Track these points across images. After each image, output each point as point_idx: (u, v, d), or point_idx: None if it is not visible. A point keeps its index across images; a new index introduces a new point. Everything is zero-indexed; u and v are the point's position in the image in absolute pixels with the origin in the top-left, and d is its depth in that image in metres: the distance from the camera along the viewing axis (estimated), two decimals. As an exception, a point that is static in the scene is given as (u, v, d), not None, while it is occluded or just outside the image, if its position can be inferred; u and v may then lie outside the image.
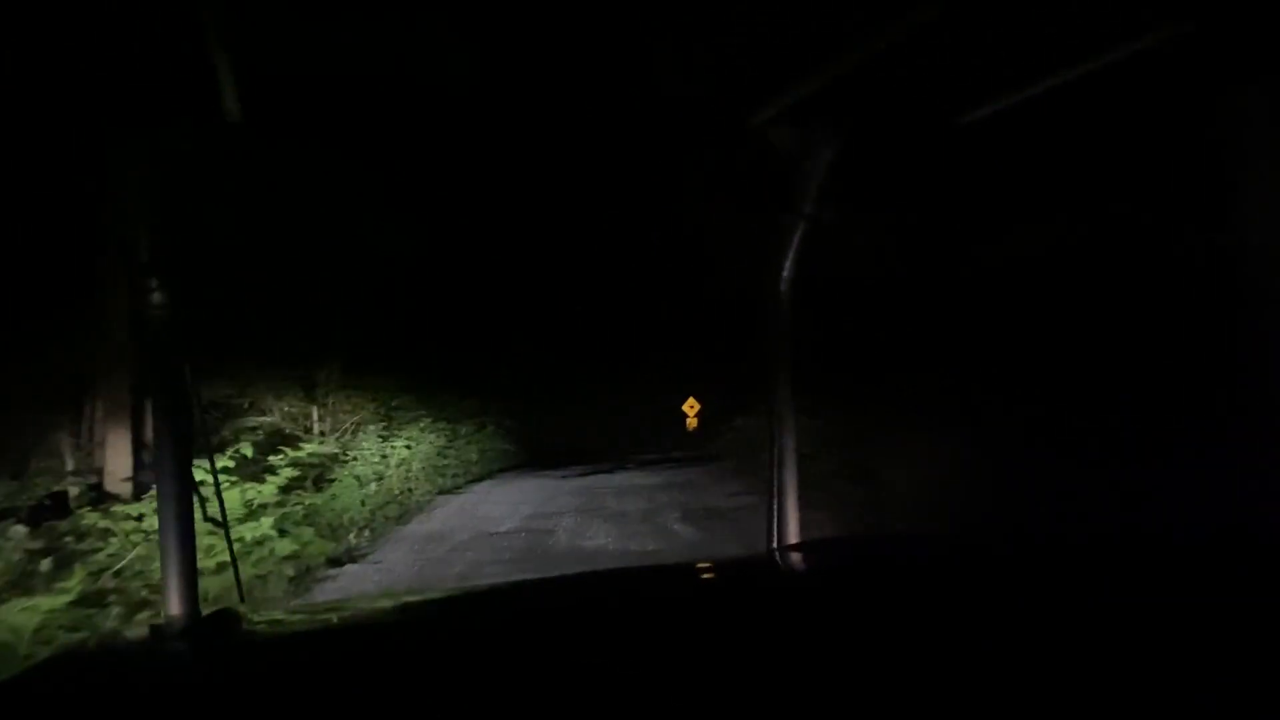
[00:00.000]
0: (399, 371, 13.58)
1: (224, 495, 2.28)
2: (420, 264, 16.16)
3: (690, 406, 25.34)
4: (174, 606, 1.59)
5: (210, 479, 1.89)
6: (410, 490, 11.14)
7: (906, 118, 2.18)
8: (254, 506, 6.33)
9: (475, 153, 13.73)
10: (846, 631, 1.10)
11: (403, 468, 11.42)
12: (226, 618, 1.47)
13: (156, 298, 1.66)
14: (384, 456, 11.20)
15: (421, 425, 12.40)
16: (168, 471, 1.66)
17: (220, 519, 1.85)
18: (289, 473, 6.89)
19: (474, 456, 14.71)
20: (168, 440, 1.68)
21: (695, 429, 24.70)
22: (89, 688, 1.10)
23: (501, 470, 15.95)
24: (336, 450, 10.39)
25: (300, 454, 8.02)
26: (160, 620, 1.63)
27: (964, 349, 8.23)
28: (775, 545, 2.07)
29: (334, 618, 1.65)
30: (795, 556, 1.94)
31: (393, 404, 12.58)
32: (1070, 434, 6.13)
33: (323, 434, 11.83)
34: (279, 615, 1.79)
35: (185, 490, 1.67)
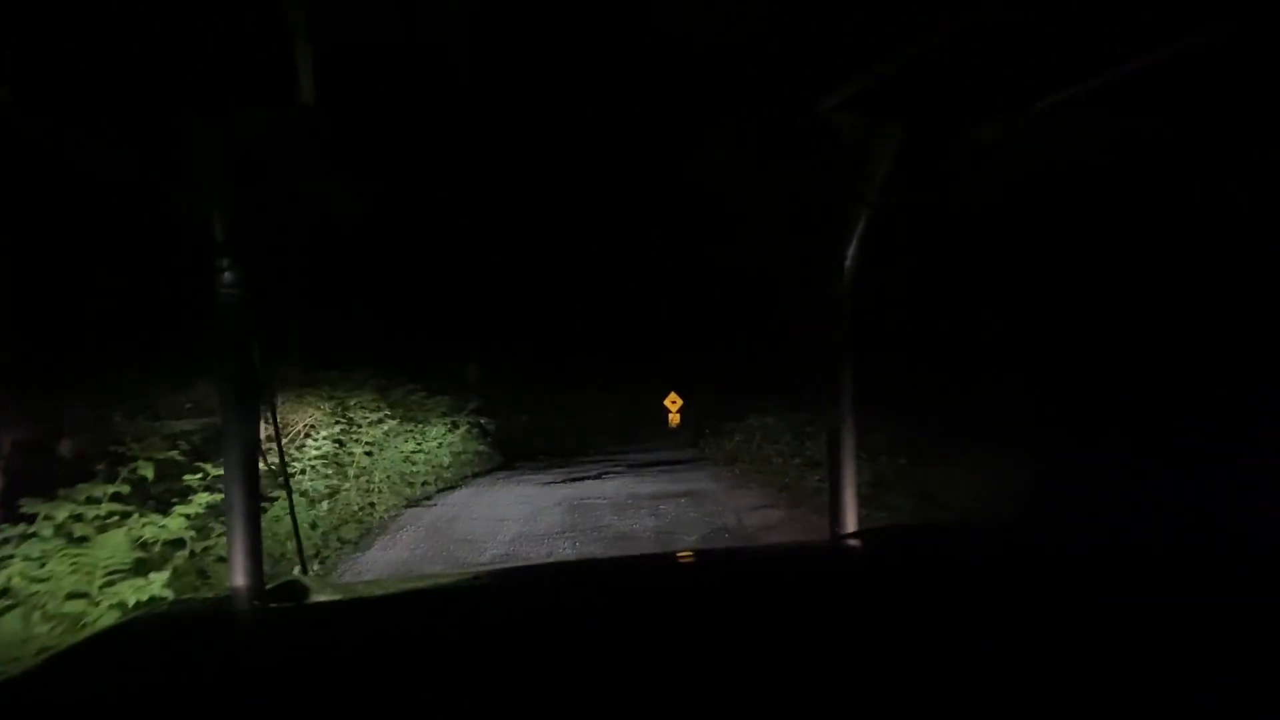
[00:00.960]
0: (363, 367, 11.82)
1: (108, 537, 3.21)
2: (381, 246, 14.43)
3: (672, 402, 23.67)
4: (239, 579, 1.66)
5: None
6: (373, 505, 9.33)
7: (978, 105, 2.05)
8: (153, 549, 4.55)
9: (474, 130, 12.92)
10: (907, 620, 1.10)
11: (363, 478, 9.63)
12: (291, 589, 1.56)
13: (228, 277, 1.74)
14: (339, 465, 9.41)
15: (386, 428, 10.57)
16: (234, 450, 1.72)
17: (286, 489, 2.19)
18: (205, 498, 5.10)
19: (446, 461, 12.90)
20: (235, 420, 1.74)
21: (677, 426, 23.21)
22: (161, 654, 1.15)
23: (477, 476, 14.16)
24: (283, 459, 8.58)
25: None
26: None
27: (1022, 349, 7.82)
28: (836, 534, 2.09)
29: (397, 589, 1.75)
30: (856, 543, 1.97)
31: (352, 403, 10.76)
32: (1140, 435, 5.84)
33: (268, 440, 10.02)
34: (342, 587, 1.91)
35: (251, 469, 1.74)
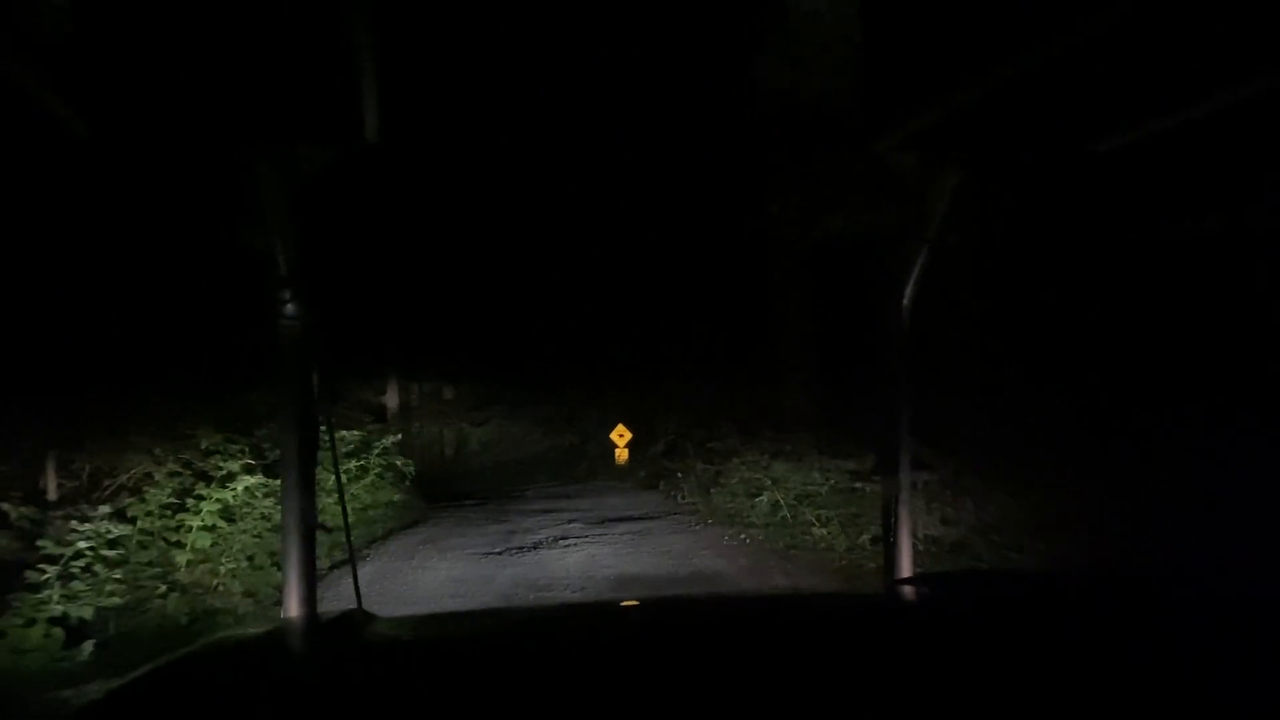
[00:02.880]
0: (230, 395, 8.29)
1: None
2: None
3: (619, 435, 20.30)
4: (293, 608, 1.74)
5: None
6: (211, 615, 5.72)
7: (1036, 146, 2.03)
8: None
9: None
10: (966, 670, 1.07)
11: (205, 565, 6.04)
12: (346, 620, 1.52)
13: (290, 309, 1.79)
14: (169, 545, 5.84)
15: (247, 483, 6.93)
16: (292, 477, 1.83)
17: (343, 512, 2.10)
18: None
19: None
20: (293, 447, 1.84)
21: (625, 463, 19.94)
22: (222, 683, 1.13)
23: (390, 537, 10.55)
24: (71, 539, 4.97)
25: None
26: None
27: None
28: (891, 580, 2.05)
29: (453, 627, 1.69)
30: (911, 591, 1.83)
31: (202, 447, 7.14)
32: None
33: (49, 506, 6.32)
34: (395, 620, 1.72)
35: (308, 496, 1.83)
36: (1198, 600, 1.36)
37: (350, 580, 1.95)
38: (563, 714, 0.93)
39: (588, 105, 11.66)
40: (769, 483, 8.83)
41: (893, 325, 2.09)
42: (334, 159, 1.74)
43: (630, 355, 18.10)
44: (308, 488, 1.76)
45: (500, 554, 8.95)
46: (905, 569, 2.08)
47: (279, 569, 7.11)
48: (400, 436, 12.74)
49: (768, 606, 1.86)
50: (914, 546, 1.92)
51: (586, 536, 9.74)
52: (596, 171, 13.51)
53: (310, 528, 1.76)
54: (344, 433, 11.62)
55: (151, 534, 5.92)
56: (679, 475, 12.31)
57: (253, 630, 2.60)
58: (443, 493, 15.23)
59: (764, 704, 0.94)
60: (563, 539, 9.65)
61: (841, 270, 10.43)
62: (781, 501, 8.38)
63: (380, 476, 11.52)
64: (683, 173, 12.80)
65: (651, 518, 10.98)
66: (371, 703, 0.97)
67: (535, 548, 9.24)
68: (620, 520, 10.84)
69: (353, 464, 10.69)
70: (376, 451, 11.68)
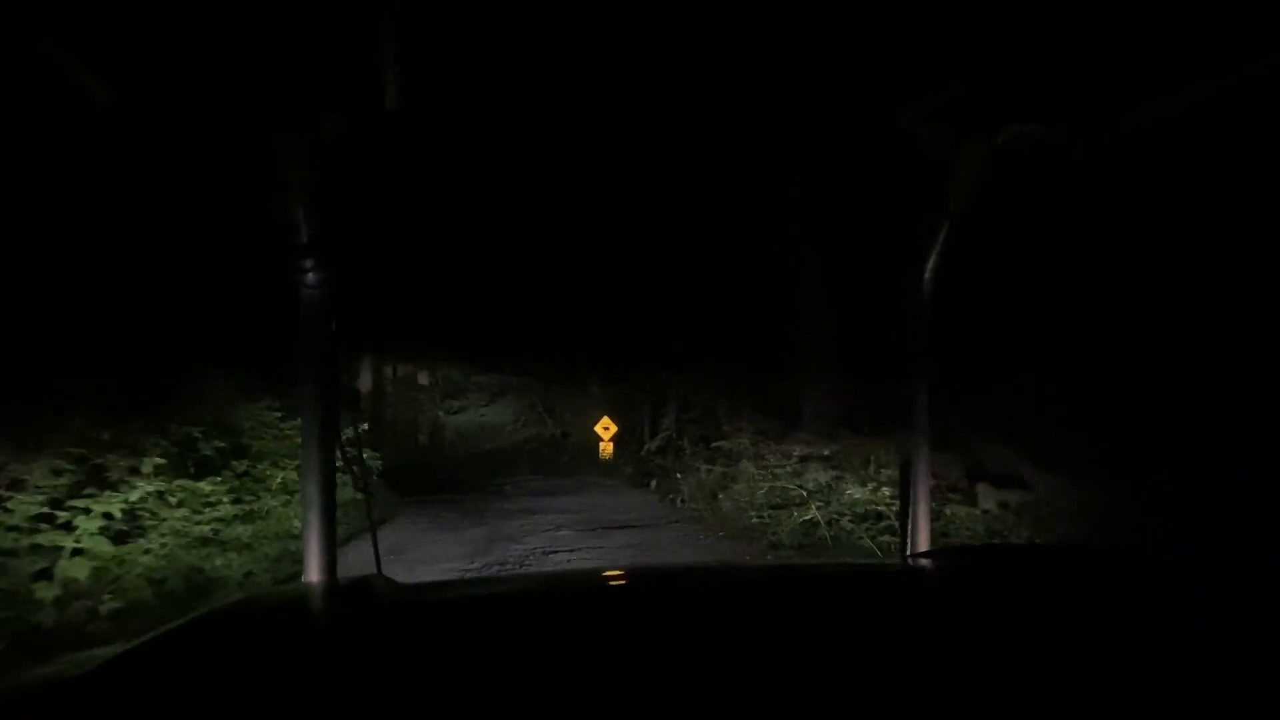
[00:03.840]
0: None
1: None
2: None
3: (604, 428, 18.84)
4: (313, 573, 1.71)
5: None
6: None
7: (1064, 117, 2.01)
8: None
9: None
10: (982, 642, 1.07)
11: (82, 603, 4.46)
12: (364, 585, 1.50)
13: (311, 279, 1.75)
14: (27, 574, 4.27)
15: (144, 490, 5.22)
16: (312, 447, 1.77)
17: (367, 491, 2.00)
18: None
19: (292, 527, 7.76)
20: (314, 418, 1.78)
21: (609, 458, 18.52)
22: (242, 645, 1.12)
23: (347, 542, 8.96)
24: None
25: None
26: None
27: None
28: (909, 553, 1.99)
29: (473, 591, 1.82)
30: (929, 564, 1.85)
31: (103, 436, 5.55)
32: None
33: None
34: (412, 585, 1.70)
35: (329, 466, 1.78)
36: (1224, 582, 1.28)
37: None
38: (580, 680, 0.92)
39: (593, 70, 10.46)
40: (803, 494, 7.35)
41: (913, 300, 2.02)
42: (355, 125, 1.73)
43: (618, 342, 16.54)
44: (328, 462, 1.73)
45: (480, 570, 7.44)
46: (924, 543, 2.00)
47: (202, 598, 5.65)
48: (368, 426, 11.14)
49: (783, 576, 1.82)
50: None
51: (580, 549, 8.23)
52: (598, 136, 12.06)
53: (330, 501, 1.75)
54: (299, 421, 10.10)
55: (16, 554, 4.35)
56: (678, 476, 10.80)
57: (269, 595, 2.51)
58: (415, 485, 13.75)
59: (777, 674, 0.93)
60: (552, 551, 8.13)
61: (867, 250, 9.05)
62: (820, 519, 6.90)
63: (340, 473, 9.93)
64: (687, 135, 11.29)
65: (651, 525, 9.49)
66: (393, 667, 0.96)
67: (521, 563, 7.73)
68: (616, 529, 9.34)
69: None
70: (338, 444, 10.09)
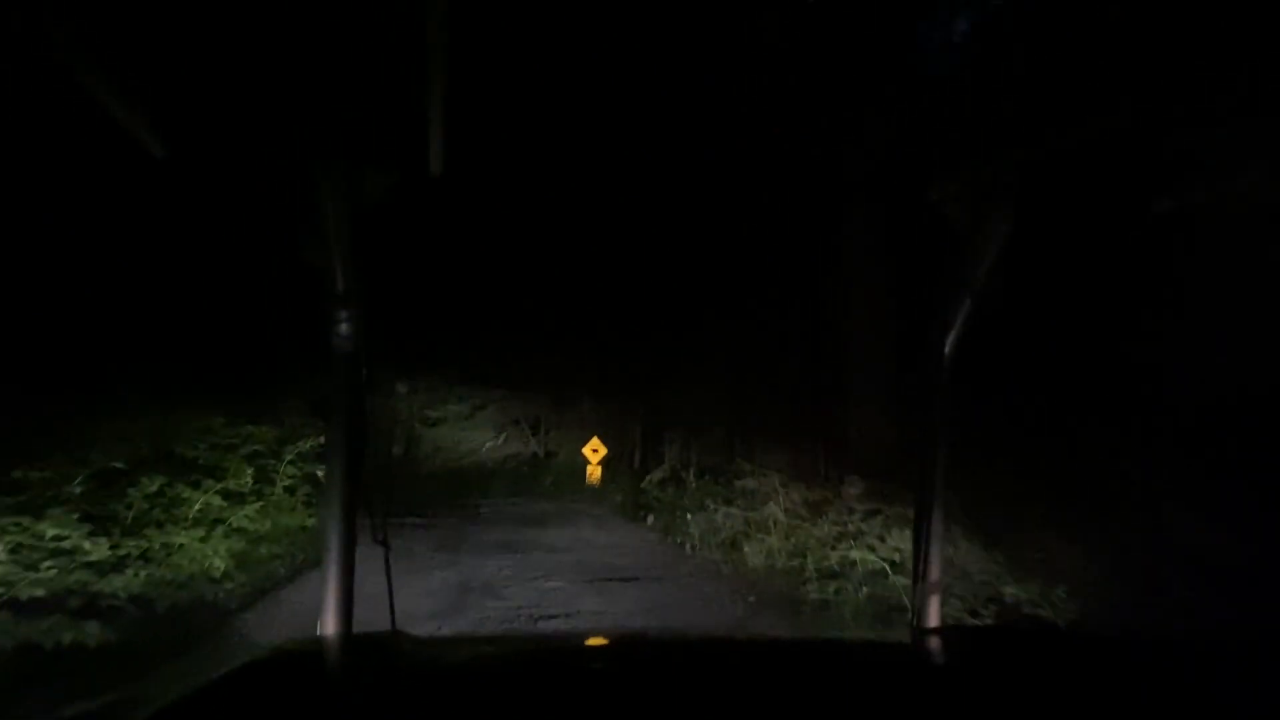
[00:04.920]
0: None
1: None
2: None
3: (594, 450, 17.20)
4: (330, 625, 1.69)
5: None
6: None
7: (1090, 203, 2.21)
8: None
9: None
10: None
11: None
12: (380, 638, 1.58)
13: (345, 328, 1.78)
14: None
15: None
16: (335, 497, 1.76)
17: (384, 543, 1.93)
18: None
19: (220, 564, 6.06)
20: (339, 466, 1.77)
21: (597, 481, 16.90)
22: (263, 699, 1.14)
23: (288, 582, 7.24)
24: None
25: None
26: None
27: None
28: (915, 627, 1.96)
29: (486, 647, 1.74)
30: (938, 643, 1.82)
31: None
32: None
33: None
34: (427, 639, 1.73)
35: (350, 516, 1.77)
36: (1227, 668, 1.30)
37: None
38: None
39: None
40: (883, 565, 5.71)
41: (932, 374, 2.03)
42: (395, 185, 1.75)
43: (610, 354, 14.87)
44: (350, 511, 1.72)
45: (448, 638, 5.75)
46: (934, 616, 1.92)
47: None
48: (322, 440, 9.43)
49: (790, 650, 1.80)
50: None
51: (579, 611, 6.55)
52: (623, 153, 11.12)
53: (350, 551, 1.71)
54: (252, 428, 8.48)
55: None
56: (688, 516, 9.15)
57: (288, 647, 1.85)
58: (383, 503, 11.99)
59: None
60: (546, 615, 6.44)
61: (923, 262, 7.59)
62: (909, 603, 5.30)
63: (290, 492, 8.26)
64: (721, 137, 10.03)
65: (660, 578, 7.83)
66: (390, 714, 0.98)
67: (504, 627, 6.05)
68: (619, 581, 7.67)
69: (248, 474, 7.45)
70: (289, 458, 8.42)
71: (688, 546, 8.88)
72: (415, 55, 1.47)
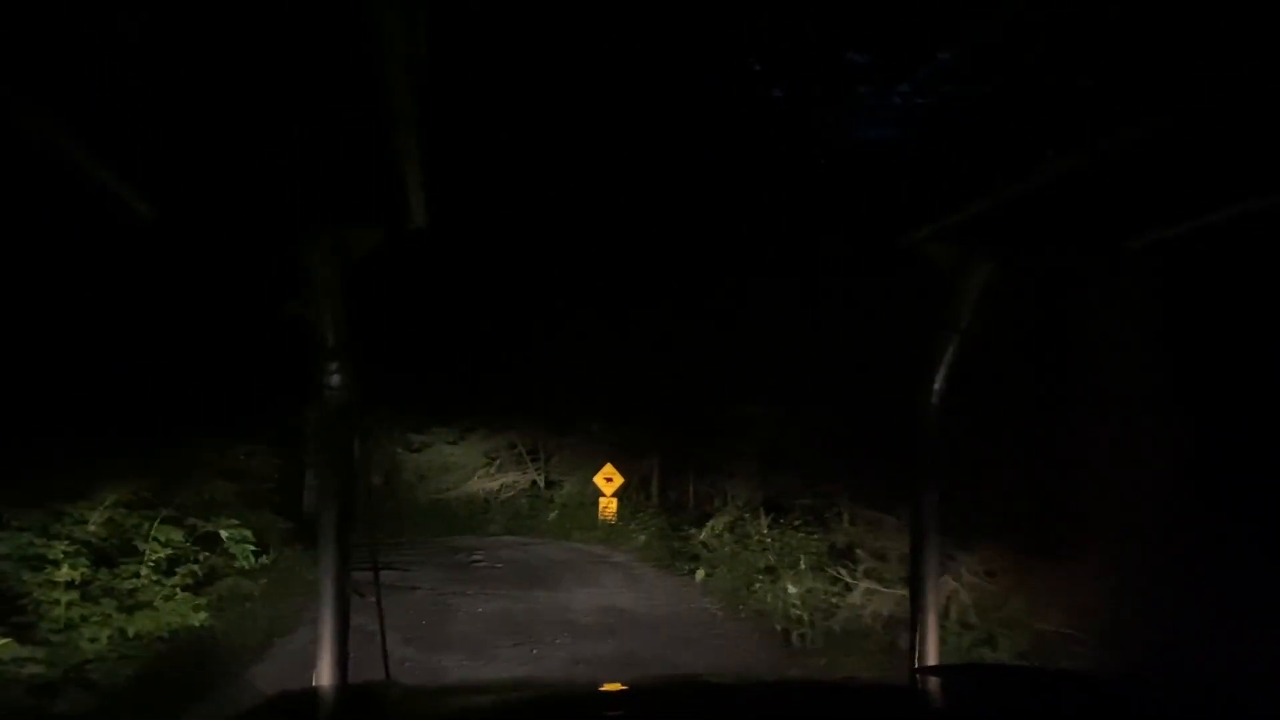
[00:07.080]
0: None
1: None
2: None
3: (607, 480, 14.30)
4: (325, 675, 1.64)
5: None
6: None
7: (1071, 241, 2.05)
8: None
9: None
10: None
11: None
12: (374, 690, 1.53)
13: (335, 380, 1.75)
14: None
15: None
16: (329, 547, 1.71)
17: (376, 587, 1.92)
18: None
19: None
20: (331, 517, 1.73)
21: (612, 517, 14.09)
22: None
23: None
24: None
25: None
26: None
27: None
28: (916, 667, 1.93)
29: (479, 697, 1.66)
30: (936, 682, 1.80)
31: None
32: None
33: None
34: (421, 689, 1.73)
35: (344, 566, 1.72)
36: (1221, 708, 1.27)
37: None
38: None
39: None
40: None
41: (921, 420, 2.00)
42: (381, 240, 1.76)
43: (643, 366, 11.80)
44: (344, 561, 1.68)
45: None
46: (931, 654, 1.92)
47: None
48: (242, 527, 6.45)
49: (792, 692, 1.75)
50: None
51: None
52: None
53: (344, 601, 1.66)
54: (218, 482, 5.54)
55: None
56: (786, 586, 6.12)
57: (284, 697, 1.77)
58: (354, 543, 8.95)
59: None
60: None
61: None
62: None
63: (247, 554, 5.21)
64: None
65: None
66: None
67: None
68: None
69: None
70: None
71: (780, 630, 5.92)
72: (389, 121, 1.39)
